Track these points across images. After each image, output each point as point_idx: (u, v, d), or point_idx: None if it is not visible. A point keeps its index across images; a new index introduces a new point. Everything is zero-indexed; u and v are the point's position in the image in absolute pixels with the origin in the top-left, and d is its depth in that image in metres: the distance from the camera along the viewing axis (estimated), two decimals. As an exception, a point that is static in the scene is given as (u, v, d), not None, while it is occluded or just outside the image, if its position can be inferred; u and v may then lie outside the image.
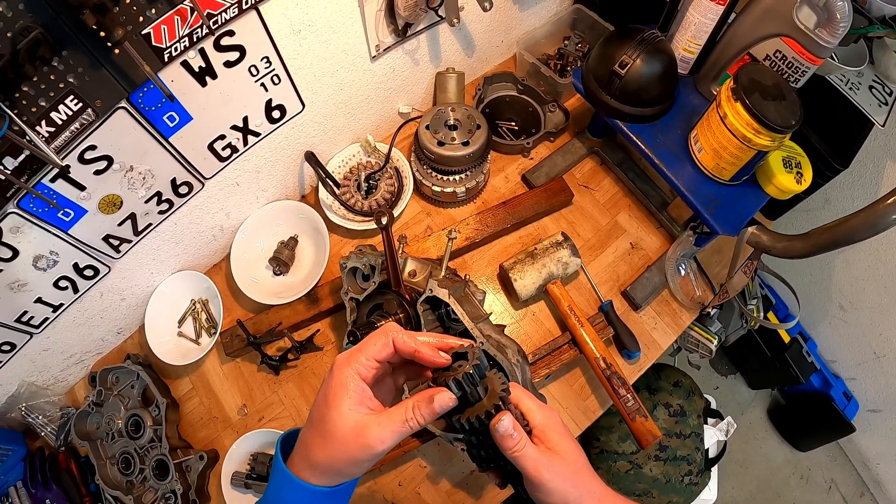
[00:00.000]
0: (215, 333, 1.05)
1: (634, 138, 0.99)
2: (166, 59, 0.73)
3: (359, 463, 0.46)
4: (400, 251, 0.91)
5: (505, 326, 0.90)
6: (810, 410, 1.84)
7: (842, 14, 0.80)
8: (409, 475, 0.98)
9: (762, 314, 1.50)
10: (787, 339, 1.72)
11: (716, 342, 1.32)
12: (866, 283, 1.52)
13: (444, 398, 0.46)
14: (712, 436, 1.42)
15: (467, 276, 0.93)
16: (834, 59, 0.93)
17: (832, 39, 0.83)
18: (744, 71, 0.86)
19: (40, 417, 1.08)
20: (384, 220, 0.83)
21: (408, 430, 0.46)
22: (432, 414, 0.46)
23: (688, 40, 1.00)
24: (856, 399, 1.79)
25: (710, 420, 1.43)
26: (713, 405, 1.50)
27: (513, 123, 1.18)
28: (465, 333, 0.83)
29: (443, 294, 0.79)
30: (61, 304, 0.95)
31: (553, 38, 1.27)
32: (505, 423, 0.48)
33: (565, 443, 0.50)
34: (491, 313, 0.90)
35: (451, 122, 1.05)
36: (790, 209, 1.31)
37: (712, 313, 1.28)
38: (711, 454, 1.44)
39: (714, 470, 1.46)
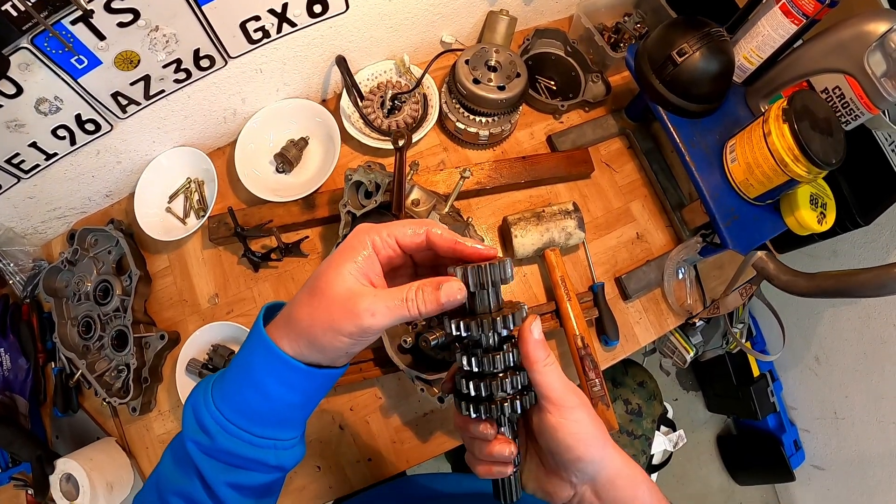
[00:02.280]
0: (204, 216, 1.02)
1: (672, 129, 0.97)
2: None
3: (338, 333, 0.40)
4: (409, 177, 0.88)
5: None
6: (758, 448, 1.87)
7: (912, 70, 0.77)
8: (363, 402, 0.97)
9: (744, 339, 1.50)
10: (756, 373, 1.73)
11: (692, 354, 1.32)
12: (848, 343, 1.52)
13: (453, 287, 0.40)
14: (661, 444, 1.44)
15: (469, 219, 0.91)
16: (885, 116, 0.90)
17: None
18: (799, 96, 0.83)
19: (12, 265, 1.06)
20: (401, 142, 0.81)
21: (403, 313, 0.40)
22: (435, 303, 0.40)
23: (751, 50, 0.96)
24: (804, 451, 1.80)
25: (662, 427, 1.44)
26: (670, 414, 1.52)
27: (552, 83, 1.14)
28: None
29: (442, 228, 0.77)
30: (55, 154, 0.93)
31: (614, 10, 1.23)
32: (539, 328, 0.42)
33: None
34: (484, 262, 0.88)
35: (492, 63, 1.01)
36: (798, 248, 1.30)
37: (697, 325, 1.28)
38: (655, 461, 1.46)
39: (654, 476, 1.48)
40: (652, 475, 1.46)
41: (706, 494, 1.99)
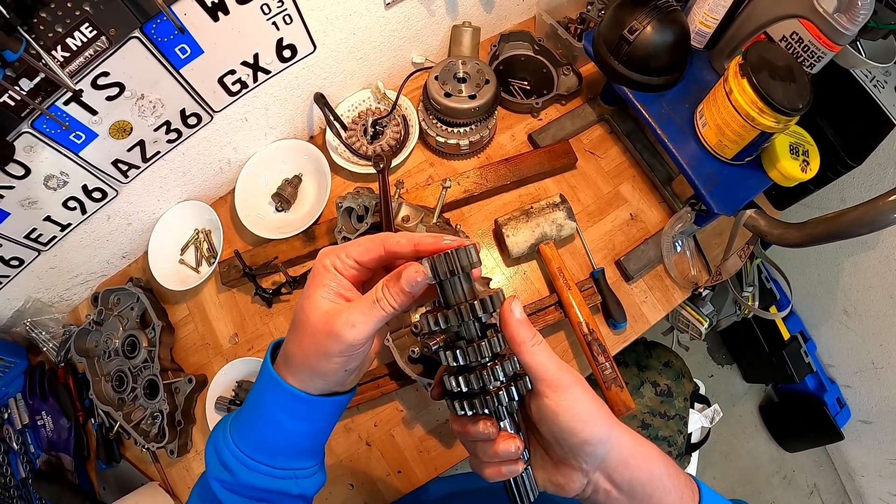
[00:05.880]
0: (214, 262, 1.07)
1: (639, 106, 0.98)
2: (180, -8, 0.74)
3: (329, 356, 0.41)
4: (396, 196, 0.92)
5: (491, 280, 0.91)
6: (802, 412, 1.83)
7: (863, 1, 0.77)
8: (386, 417, 1.00)
9: (757, 303, 1.48)
10: (786, 335, 1.70)
11: (706, 325, 1.31)
12: (873, 290, 1.49)
13: (410, 271, 0.40)
14: (697, 421, 1.42)
15: (458, 227, 0.94)
16: (861, 54, 0.90)
17: (851, 27, 0.80)
18: (754, 48, 0.84)
19: (43, 333, 1.12)
20: (381, 165, 0.85)
21: (379, 313, 0.41)
22: (402, 293, 0.40)
23: (705, 13, 0.98)
24: (849, 407, 1.76)
25: (696, 405, 1.42)
26: (702, 391, 1.49)
27: (525, 83, 1.16)
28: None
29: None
30: (69, 224, 0.99)
31: (576, 1, 1.25)
32: (519, 308, 0.41)
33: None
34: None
35: (461, 74, 1.05)
36: (799, 201, 1.29)
37: (704, 294, 1.27)
38: (694, 439, 1.43)
39: (695, 455, 1.46)
40: (692, 454, 1.44)
41: (757, 466, 1.95)
